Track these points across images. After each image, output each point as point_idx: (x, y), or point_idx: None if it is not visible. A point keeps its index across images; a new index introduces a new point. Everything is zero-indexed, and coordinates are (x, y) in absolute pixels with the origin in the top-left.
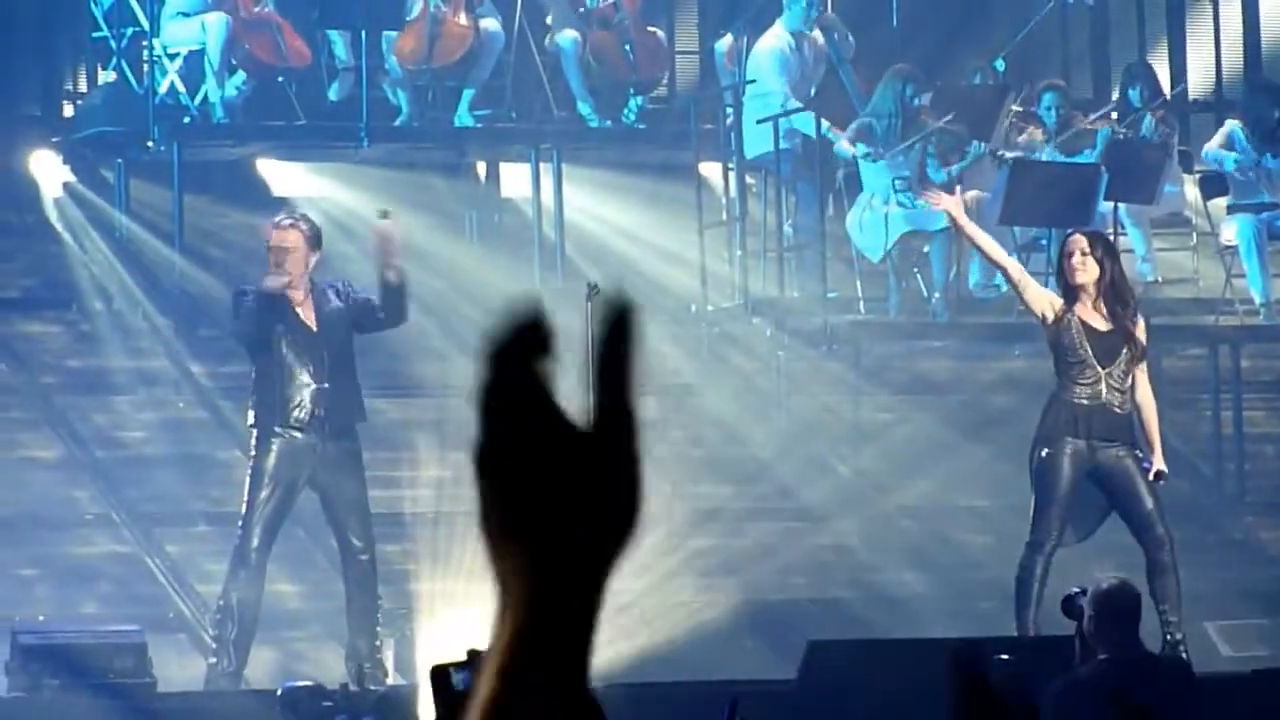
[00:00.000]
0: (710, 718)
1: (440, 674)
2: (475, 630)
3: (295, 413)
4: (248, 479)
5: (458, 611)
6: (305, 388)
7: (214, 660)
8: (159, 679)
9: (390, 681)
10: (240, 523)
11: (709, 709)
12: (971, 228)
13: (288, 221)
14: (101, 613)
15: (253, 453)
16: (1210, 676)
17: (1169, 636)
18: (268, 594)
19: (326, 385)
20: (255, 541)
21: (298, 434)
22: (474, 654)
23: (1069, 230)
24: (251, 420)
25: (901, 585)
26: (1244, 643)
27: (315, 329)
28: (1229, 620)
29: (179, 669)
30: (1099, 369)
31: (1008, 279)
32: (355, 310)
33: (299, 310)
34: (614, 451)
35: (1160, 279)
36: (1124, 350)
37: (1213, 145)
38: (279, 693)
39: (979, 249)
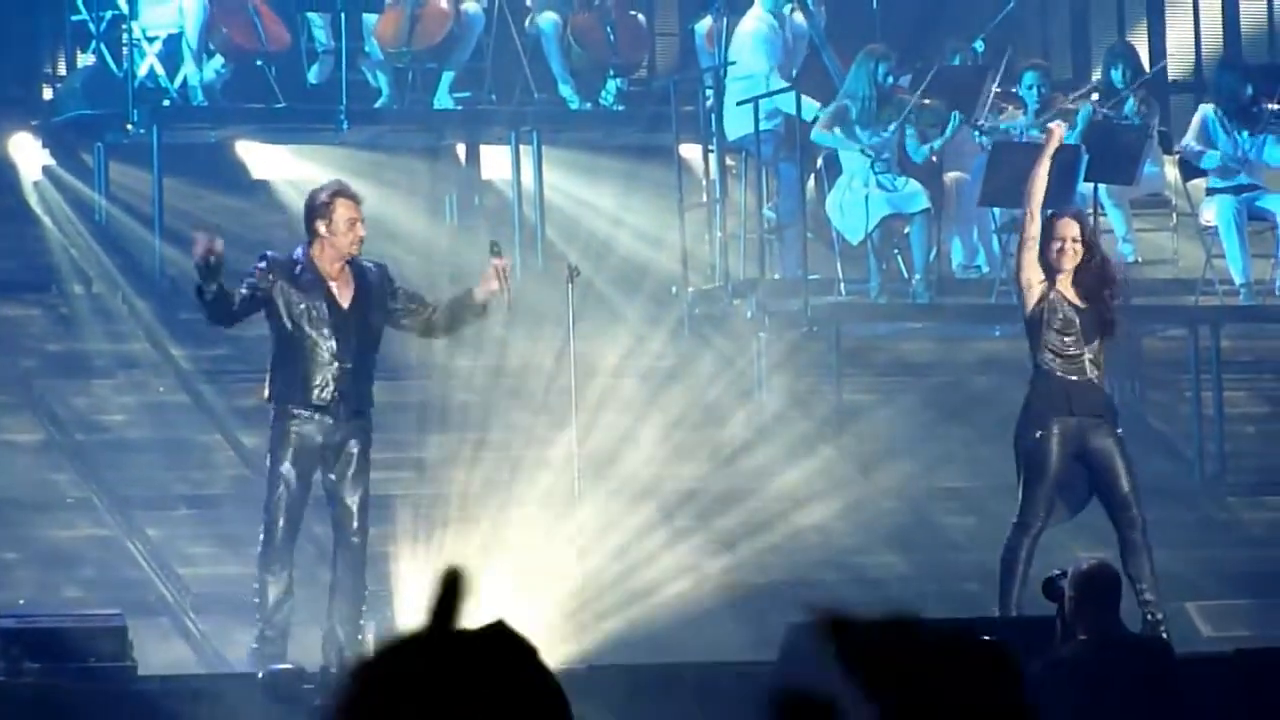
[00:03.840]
0: (692, 699)
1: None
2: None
3: (316, 391)
4: (268, 463)
5: None
6: (328, 366)
7: (255, 645)
8: (139, 662)
9: None
10: (264, 509)
11: (691, 690)
12: (1046, 161)
13: (359, 194)
14: (82, 596)
15: (270, 429)
16: (1191, 657)
17: (1149, 616)
18: (249, 577)
19: (350, 366)
20: (280, 532)
21: (315, 415)
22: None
23: (1055, 212)
24: (268, 394)
25: (883, 567)
26: (1224, 623)
27: (346, 307)
28: (1210, 601)
29: (160, 652)
30: (1085, 345)
31: (1024, 235)
32: (399, 302)
33: (333, 285)
34: None
35: (1140, 259)
36: (1104, 328)
37: (1189, 138)
38: (260, 675)
39: (1034, 185)
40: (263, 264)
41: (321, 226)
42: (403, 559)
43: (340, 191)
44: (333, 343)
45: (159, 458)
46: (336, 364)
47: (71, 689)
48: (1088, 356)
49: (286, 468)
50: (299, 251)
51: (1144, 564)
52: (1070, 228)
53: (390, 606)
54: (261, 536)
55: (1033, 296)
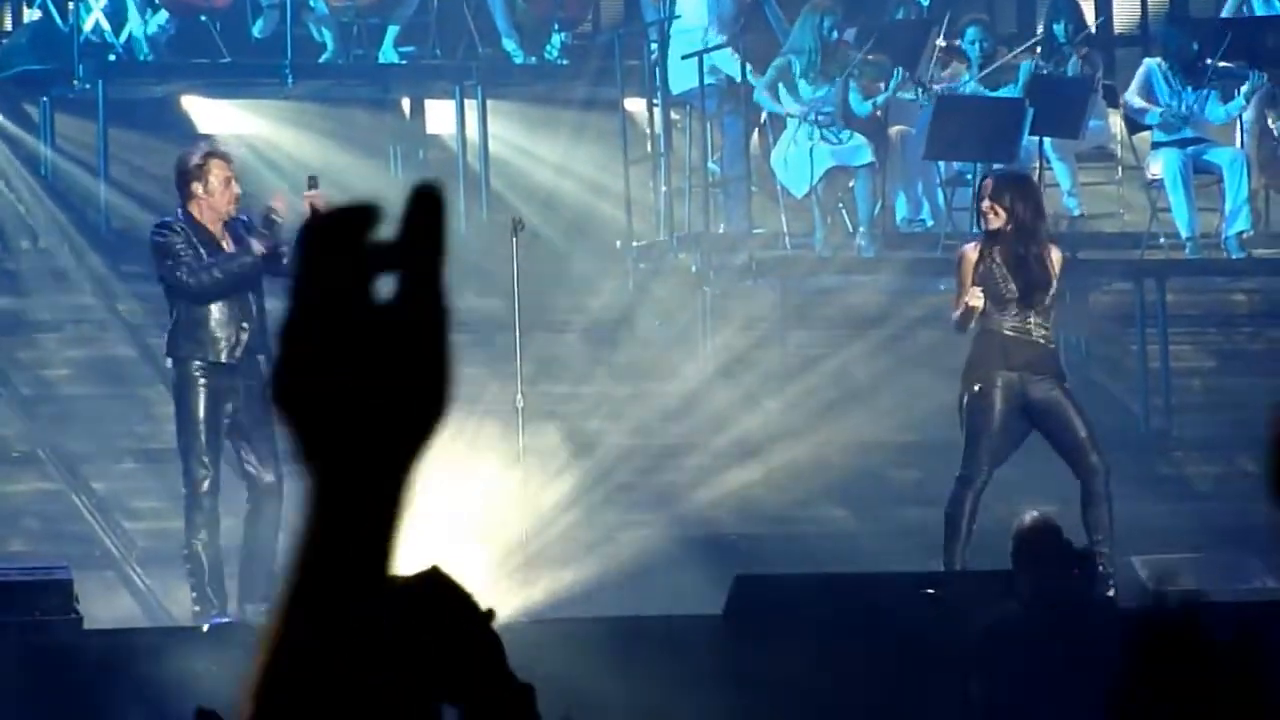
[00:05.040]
0: (637, 652)
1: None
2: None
3: (227, 351)
4: (180, 426)
5: None
6: (234, 324)
7: (198, 608)
8: (85, 616)
9: None
10: (184, 471)
11: (636, 643)
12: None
13: (230, 152)
14: (28, 550)
15: (175, 392)
16: (1134, 610)
17: (1100, 568)
18: None
19: (254, 323)
20: (205, 488)
21: (220, 372)
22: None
23: (984, 174)
24: (169, 355)
25: (829, 520)
26: (1169, 577)
27: None
28: (1155, 554)
29: (105, 606)
30: (1024, 304)
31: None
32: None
33: (223, 245)
34: (420, 336)
35: (1086, 213)
36: (1046, 286)
37: (1131, 92)
38: (204, 629)
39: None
40: (179, 231)
41: (198, 189)
42: None
43: (212, 153)
44: (236, 301)
45: (105, 411)
46: (244, 321)
47: (16, 642)
48: (1031, 317)
49: (202, 425)
50: (180, 215)
51: (1103, 514)
52: (985, 190)
53: None
54: (186, 503)
55: (971, 270)
